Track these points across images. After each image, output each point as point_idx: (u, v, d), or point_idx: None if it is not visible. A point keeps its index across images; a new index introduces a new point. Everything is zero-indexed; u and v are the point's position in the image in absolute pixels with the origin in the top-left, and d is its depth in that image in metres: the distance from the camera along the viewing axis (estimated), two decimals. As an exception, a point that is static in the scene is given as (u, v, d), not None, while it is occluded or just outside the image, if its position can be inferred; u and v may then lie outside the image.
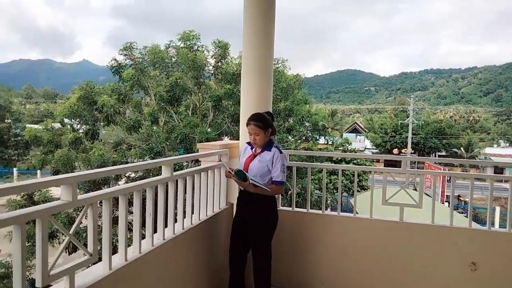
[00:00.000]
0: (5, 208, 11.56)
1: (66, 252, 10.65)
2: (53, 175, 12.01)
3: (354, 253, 3.62)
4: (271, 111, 3.61)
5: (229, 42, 12.99)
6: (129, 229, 2.33)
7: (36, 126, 18.01)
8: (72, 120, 13.51)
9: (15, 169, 27.68)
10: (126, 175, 11.49)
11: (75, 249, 9.92)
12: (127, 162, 11.59)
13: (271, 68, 3.84)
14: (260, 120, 3.05)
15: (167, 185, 2.72)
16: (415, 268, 3.45)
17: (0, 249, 10.64)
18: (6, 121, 34.87)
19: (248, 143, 3.24)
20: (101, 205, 2.19)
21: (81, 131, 13.41)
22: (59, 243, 10.02)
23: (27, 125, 27.85)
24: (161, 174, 2.71)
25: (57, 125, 15.72)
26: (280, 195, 3.87)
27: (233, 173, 2.98)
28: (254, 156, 3.12)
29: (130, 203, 2.38)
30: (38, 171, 19.69)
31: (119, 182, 11.47)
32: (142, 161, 11.21)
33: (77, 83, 13.24)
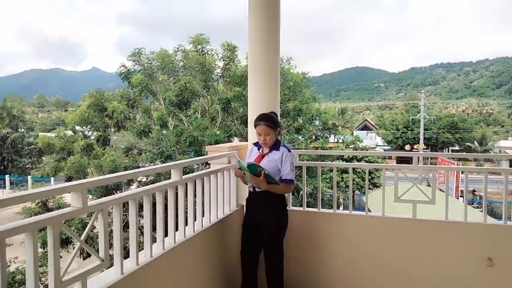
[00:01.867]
0: (20, 216, 11.76)
1: (81, 258, 10.76)
2: (66, 181, 12.17)
3: (366, 252, 3.59)
4: (278, 111, 3.62)
5: (236, 44, 13.01)
6: (142, 233, 2.35)
7: (48, 134, 18.26)
8: (83, 127, 13.65)
9: (29, 177, 28.12)
10: (138, 179, 11.58)
11: (89, 254, 9.96)
12: (138, 167, 11.69)
13: (278, 68, 3.83)
14: (270, 120, 3.06)
15: (177, 189, 2.74)
16: (429, 265, 3.41)
17: (16, 256, 10.81)
18: (19, 130, 35.49)
19: (255, 143, 3.24)
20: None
21: (92, 137, 13.55)
22: (74, 249, 10.15)
23: (40, 134, 28.28)
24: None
25: (69, 133, 15.92)
26: (290, 194, 3.87)
27: (246, 166, 2.92)
28: (263, 156, 3.11)
29: (141, 207, 2.40)
30: (52, 178, 19.96)
31: (131, 187, 11.56)
32: (153, 165, 11.29)
33: (87, 91, 13.37)
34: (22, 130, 35.87)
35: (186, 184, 2.83)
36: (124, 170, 10.49)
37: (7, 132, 33.41)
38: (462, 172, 3.68)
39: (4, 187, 28.83)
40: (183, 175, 2.78)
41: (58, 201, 10.94)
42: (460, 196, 19.84)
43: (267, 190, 2.97)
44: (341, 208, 18.96)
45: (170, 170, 2.69)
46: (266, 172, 2.85)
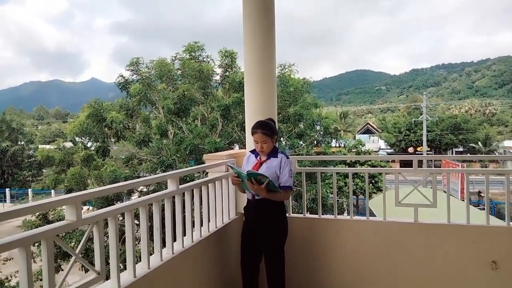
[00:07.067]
0: (21, 229, 11.75)
1: (82, 270, 10.74)
2: (67, 193, 12.17)
3: (368, 258, 3.57)
4: (275, 117, 3.62)
5: (235, 50, 13.07)
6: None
7: (48, 146, 18.32)
8: (83, 138, 13.71)
9: (30, 190, 28.15)
10: (138, 189, 11.59)
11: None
12: (138, 177, 11.68)
13: (274, 75, 3.84)
14: (267, 128, 3.05)
15: (174, 199, 2.73)
16: (433, 270, 3.38)
17: (17, 269, 10.78)
18: (19, 143, 35.65)
19: (252, 151, 3.24)
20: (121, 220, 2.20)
21: (92, 148, 13.60)
22: (76, 261, 10.12)
23: (40, 146, 28.37)
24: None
25: (69, 144, 15.99)
26: (290, 201, 3.86)
27: (244, 173, 2.87)
28: (261, 163, 3.10)
29: (138, 217, 2.39)
30: (52, 191, 19.99)
31: (132, 197, 11.56)
32: (153, 174, 11.28)
33: (86, 102, 13.43)
34: (22, 143, 36.04)
35: (183, 193, 2.83)
36: (125, 180, 10.51)
37: (7, 146, 33.54)
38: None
39: (5, 201, 28.85)
40: (183, 184, 2.78)
41: (58, 213, 10.93)
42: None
43: (266, 198, 2.96)
44: (345, 213, 18.89)
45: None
46: (270, 181, 2.80)
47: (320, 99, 15.52)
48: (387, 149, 48.52)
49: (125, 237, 2.26)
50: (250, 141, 3.26)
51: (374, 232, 3.59)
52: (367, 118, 78.38)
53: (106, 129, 12.30)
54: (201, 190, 3.10)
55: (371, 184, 20.95)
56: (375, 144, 48.07)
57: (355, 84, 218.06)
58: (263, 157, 3.12)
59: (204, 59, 12.81)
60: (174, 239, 2.72)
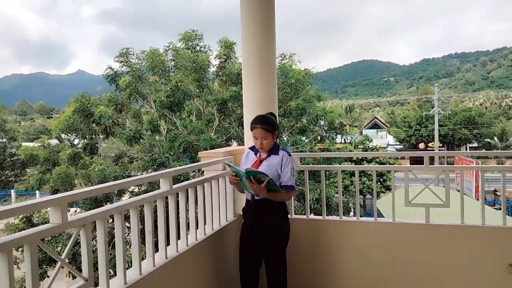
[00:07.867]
0: (4, 233, 11.76)
1: (70, 276, 10.75)
2: (52, 194, 12.16)
3: (376, 261, 3.57)
4: (276, 111, 3.61)
5: (232, 40, 13.03)
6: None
7: (32, 144, 18.31)
8: (69, 134, 13.67)
9: (12, 191, 28.10)
10: (130, 189, 11.58)
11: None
12: (129, 176, 11.67)
13: (274, 66, 3.83)
14: (267, 123, 3.03)
15: (167, 199, 2.73)
16: (444, 274, 3.39)
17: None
18: (1, 140, 35.57)
19: (251, 148, 3.23)
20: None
21: (79, 146, 13.57)
22: (63, 267, 10.13)
23: (23, 143, 28.31)
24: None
25: (54, 141, 15.97)
26: (293, 201, 3.86)
27: (242, 172, 2.87)
28: (261, 161, 3.10)
29: (129, 220, 2.39)
30: (37, 192, 19.99)
31: (122, 198, 11.57)
32: (145, 173, 11.29)
33: (73, 95, 13.39)
34: (4, 140, 35.94)
35: (177, 194, 2.83)
36: (114, 180, 10.51)
37: (-12, 143, 33.50)
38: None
39: (-14, 203, 28.83)
40: (177, 183, 2.78)
41: (43, 215, 10.93)
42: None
43: (267, 198, 2.95)
44: (351, 214, 18.92)
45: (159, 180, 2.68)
46: (270, 180, 2.80)
47: (324, 92, 15.52)
48: (396, 145, 48.54)
49: (114, 241, 2.26)
50: (249, 137, 3.25)
51: (382, 234, 3.59)
52: (375, 111, 78.47)
53: (94, 125, 12.26)
54: (196, 190, 3.10)
55: (379, 183, 20.96)
56: (383, 139, 48.08)
57: (362, 75, 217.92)
58: (263, 154, 3.11)
59: (201, 49, 12.75)
60: (168, 243, 2.72)
